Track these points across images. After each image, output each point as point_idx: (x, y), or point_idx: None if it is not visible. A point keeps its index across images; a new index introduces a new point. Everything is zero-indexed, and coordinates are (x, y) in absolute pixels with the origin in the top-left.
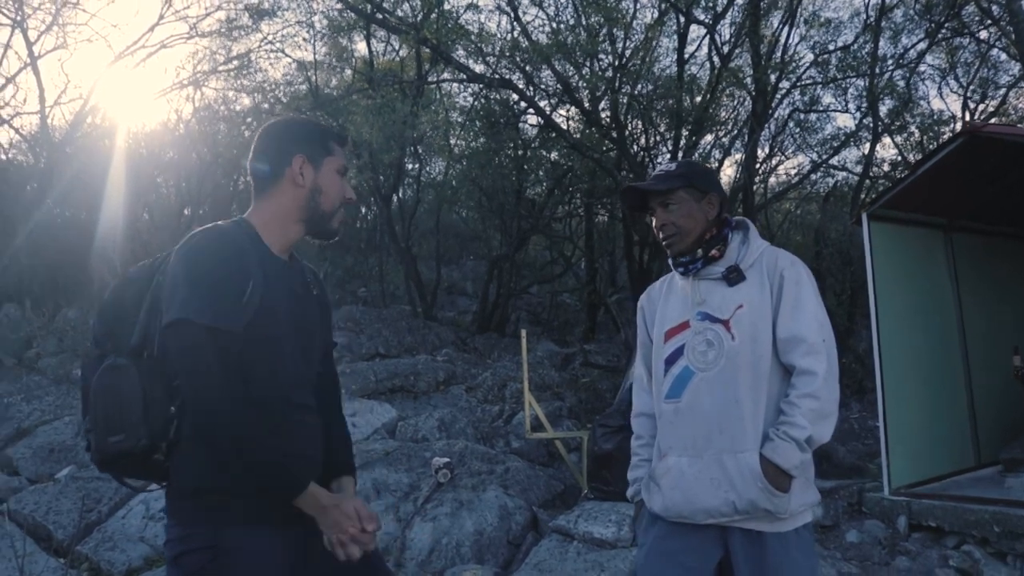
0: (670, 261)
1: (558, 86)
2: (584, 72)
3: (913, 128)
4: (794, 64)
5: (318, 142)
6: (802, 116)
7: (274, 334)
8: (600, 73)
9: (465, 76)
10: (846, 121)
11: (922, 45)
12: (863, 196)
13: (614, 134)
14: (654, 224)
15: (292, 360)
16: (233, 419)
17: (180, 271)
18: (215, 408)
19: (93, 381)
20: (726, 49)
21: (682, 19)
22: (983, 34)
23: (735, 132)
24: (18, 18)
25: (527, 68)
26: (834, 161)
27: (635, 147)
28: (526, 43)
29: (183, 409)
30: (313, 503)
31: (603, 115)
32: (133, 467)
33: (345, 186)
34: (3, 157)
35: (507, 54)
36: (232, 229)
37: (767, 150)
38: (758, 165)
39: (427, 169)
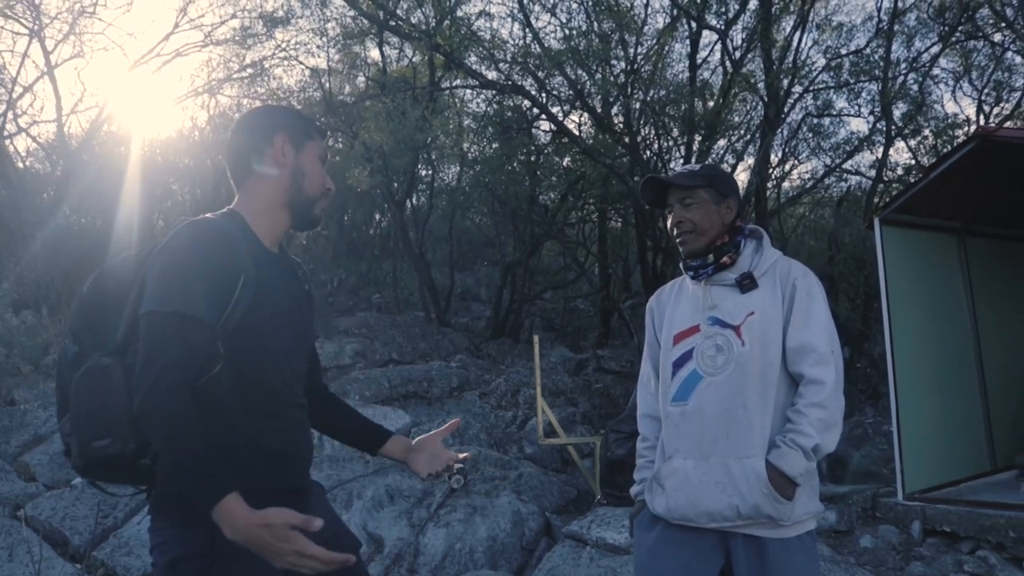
0: (681, 265)
1: (570, 92)
2: (596, 78)
3: (927, 132)
4: (806, 68)
5: (299, 126)
6: (815, 120)
7: (269, 327)
8: (612, 79)
9: (477, 82)
10: (859, 125)
11: (935, 48)
12: (876, 200)
13: (627, 139)
14: (669, 221)
15: (285, 354)
16: (166, 405)
17: (160, 263)
18: (151, 388)
19: (74, 381)
20: (738, 54)
21: (694, 25)
22: (997, 37)
23: (748, 137)
24: (35, 27)
25: (539, 74)
26: (847, 165)
27: (648, 152)
28: (538, 49)
29: None
30: (228, 520)
31: (615, 120)
32: (118, 472)
33: (326, 175)
34: (20, 165)
35: (519, 60)
36: (222, 222)
37: (780, 155)
38: (771, 170)
39: (440, 175)
